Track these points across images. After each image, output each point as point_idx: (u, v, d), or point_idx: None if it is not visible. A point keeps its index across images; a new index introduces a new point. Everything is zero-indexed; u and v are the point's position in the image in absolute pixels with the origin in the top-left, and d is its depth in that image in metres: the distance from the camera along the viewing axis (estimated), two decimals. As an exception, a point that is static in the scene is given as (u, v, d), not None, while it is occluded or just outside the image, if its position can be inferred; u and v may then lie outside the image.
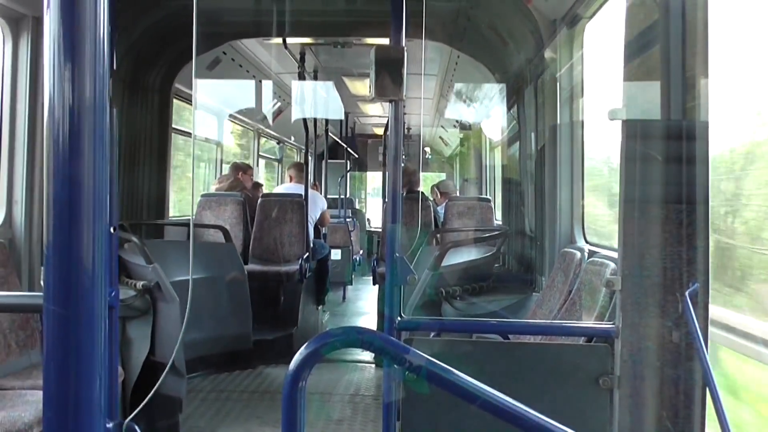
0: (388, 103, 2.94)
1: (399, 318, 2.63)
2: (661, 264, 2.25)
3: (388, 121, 7.60)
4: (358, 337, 1.44)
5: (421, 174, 12.01)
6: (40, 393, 3.48)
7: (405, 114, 9.68)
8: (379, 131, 14.33)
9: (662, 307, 2.24)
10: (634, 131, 2.38)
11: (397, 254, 2.66)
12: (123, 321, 4.15)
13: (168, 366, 3.92)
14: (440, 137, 14.47)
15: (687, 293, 2.22)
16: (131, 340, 4.16)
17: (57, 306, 0.82)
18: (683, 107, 2.46)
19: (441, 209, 7.69)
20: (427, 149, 15.58)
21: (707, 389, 2.07)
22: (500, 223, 7.02)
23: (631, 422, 2.27)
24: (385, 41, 4.32)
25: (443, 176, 15.58)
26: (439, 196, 8.47)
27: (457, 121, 11.42)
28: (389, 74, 2.44)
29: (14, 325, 3.76)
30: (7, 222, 4.11)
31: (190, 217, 7.46)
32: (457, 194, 9.92)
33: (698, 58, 2.49)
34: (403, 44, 2.60)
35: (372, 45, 6.95)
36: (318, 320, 7.64)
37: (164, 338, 4.22)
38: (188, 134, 8.31)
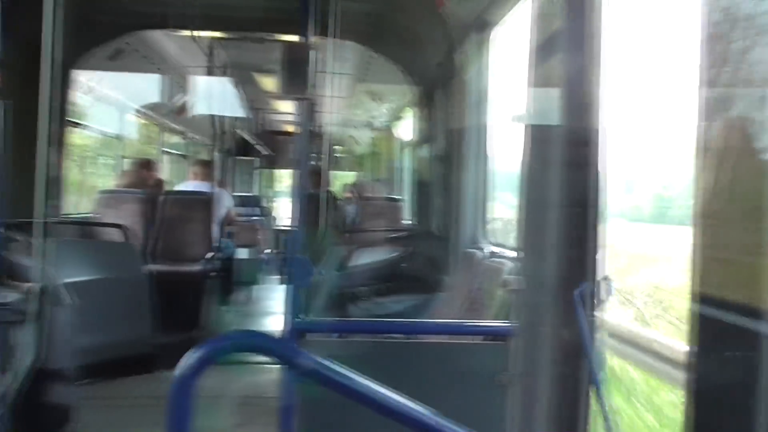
0: (290, 100, 2.90)
1: (298, 319, 2.59)
2: (556, 264, 2.30)
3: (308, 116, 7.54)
4: (249, 341, 1.40)
5: (333, 173, 11.97)
6: None
7: (317, 112, 9.66)
8: (290, 128, 14.17)
9: (555, 306, 2.30)
10: (534, 135, 2.43)
11: (300, 255, 2.62)
12: (7, 326, 3.89)
13: (57, 372, 3.71)
14: (352, 136, 14.47)
15: (577, 293, 2.29)
16: (16, 345, 3.91)
17: None
18: (581, 113, 2.53)
19: (352, 209, 7.68)
20: (339, 148, 15.55)
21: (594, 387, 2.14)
22: (411, 223, 7.07)
23: (523, 419, 2.32)
24: (295, 38, 4.23)
25: (354, 175, 15.60)
26: (352, 196, 8.46)
27: (369, 121, 11.46)
28: (297, 72, 2.40)
29: None
30: None
31: (86, 215, 7.11)
32: (373, 194, 9.95)
33: (595, 67, 2.58)
34: (312, 42, 2.56)
35: (282, 42, 6.88)
36: (222, 321, 7.46)
37: (55, 343, 3.99)
38: (86, 127, 7.95)
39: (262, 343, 1.40)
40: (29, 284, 4.02)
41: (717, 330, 1.53)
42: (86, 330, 4.04)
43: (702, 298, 1.56)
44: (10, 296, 3.87)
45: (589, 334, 2.10)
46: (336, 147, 13.81)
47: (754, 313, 1.45)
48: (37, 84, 5.55)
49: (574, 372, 2.19)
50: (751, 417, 1.42)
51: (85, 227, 6.80)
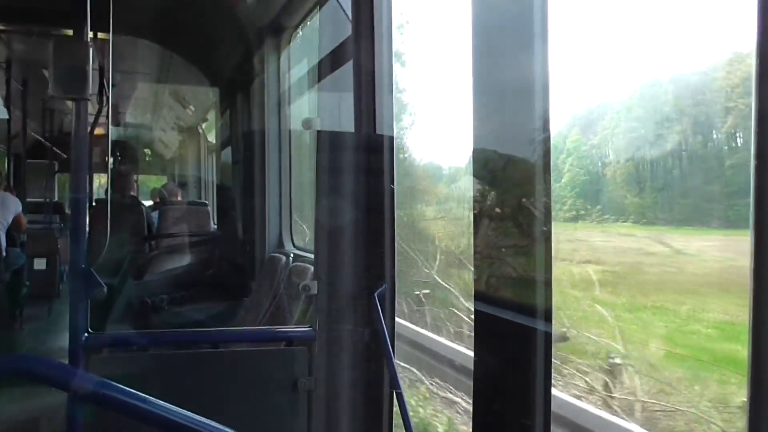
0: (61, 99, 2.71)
1: (86, 334, 2.42)
2: (352, 268, 2.37)
3: (96, 118, 7.06)
4: (22, 367, 1.29)
5: (142, 178, 11.35)
6: None
7: (120, 113, 9.10)
8: (99, 130, 13.19)
9: (354, 309, 2.36)
10: (327, 141, 2.48)
11: (83, 265, 2.45)
12: None
13: None
14: (161, 139, 13.82)
15: (376, 294, 2.37)
16: None
17: None
18: (372, 120, 2.63)
19: (156, 214, 7.32)
20: (148, 151, 14.79)
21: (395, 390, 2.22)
22: (216, 228, 6.90)
23: (326, 424, 2.36)
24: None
25: (162, 179, 14.90)
26: (159, 200, 8.08)
27: (176, 123, 11.02)
28: (71, 70, 2.24)
29: None
30: None
31: None
32: (180, 198, 9.56)
33: (385, 76, 2.69)
34: (88, 38, 2.39)
35: (56, 35, 6.37)
36: (14, 339, 6.78)
37: None
38: None
39: (38, 368, 1.30)
40: None
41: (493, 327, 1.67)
42: None
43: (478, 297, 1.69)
44: None
45: (389, 337, 2.19)
46: (145, 150, 13.12)
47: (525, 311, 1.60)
48: None
49: (376, 375, 2.28)
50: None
51: None
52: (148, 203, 8.81)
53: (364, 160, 2.48)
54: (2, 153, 8.29)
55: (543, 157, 1.53)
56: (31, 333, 7.70)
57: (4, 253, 6.47)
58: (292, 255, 3.76)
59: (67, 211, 12.86)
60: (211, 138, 9.25)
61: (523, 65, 1.55)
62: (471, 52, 1.61)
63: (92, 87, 2.32)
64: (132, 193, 7.80)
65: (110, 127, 3.81)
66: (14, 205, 7.11)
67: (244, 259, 4.80)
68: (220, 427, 1.33)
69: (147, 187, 13.49)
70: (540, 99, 1.51)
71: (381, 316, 2.33)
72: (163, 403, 1.32)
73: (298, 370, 2.53)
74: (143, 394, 1.31)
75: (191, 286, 4.46)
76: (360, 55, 2.68)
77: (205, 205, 7.41)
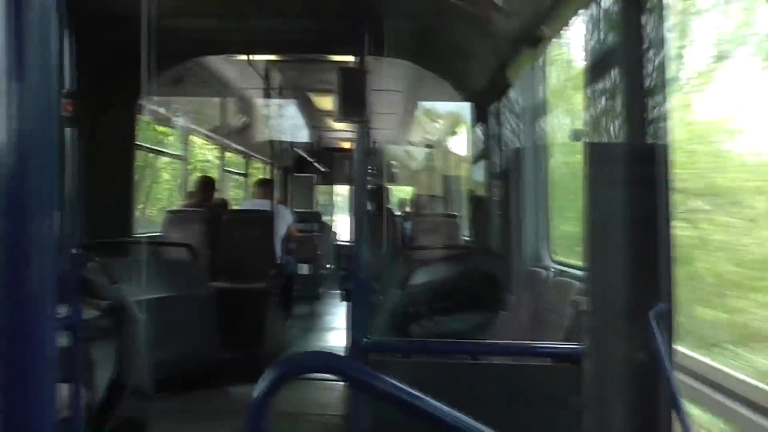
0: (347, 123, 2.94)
1: (365, 339, 2.61)
2: (627, 285, 2.26)
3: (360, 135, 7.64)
4: (324, 363, 1.41)
5: (390, 189, 12.03)
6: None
7: (371, 129, 9.69)
8: (347, 145, 14.34)
9: (628, 328, 2.25)
10: (596, 152, 2.40)
11: (362, 274, 2.64)
12: (87, 342, 4.03)
13: (132, 387, 3.83)
14: (406, 151, 14.53)
15: (652, 313, 2.24)
16: (96, 361, 4.05)
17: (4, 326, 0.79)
18: (644, 129, 2.49)
19: (408, 226, 7.68)
20: (395, 163, 15.63)
21: (673, 412, 2.08)
22: (468, 240, 7.04)
23: (597, 445, 2.27)
24: (350, 58, 4.26)
25: (409, 191, 15.62)
26: (409, 212, 8.47)
27: (423, 137, 11.48)
28: (353, 95, 2.44)
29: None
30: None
31: (155, 234, 7.34)
32: (430, 210, 9.95)
33: (658, 80, 2.53)
34: (365, 65, 2.59)
35: (336, 62, 7.00)
36: (285, 337, 7.56)
37: (129, 359, 4.12)
38: (153, 151, 8.23)
39: (338, 365, 1.42)
40: (105, 302, 4.17)
41: None
42: (158, 346, 4.16)
43: None
44: (88, 313, 4.02)
45: (667, 357, 2.05)
46: (392, 162, 13.89)
47: None
48: (106, 111, 5.82)
49: (652, 396, 2.14)
50: None
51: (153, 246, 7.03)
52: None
53: (637, 170, 2.35)
54: (270, 167, 9.32)
55: None
56: (299, 332, 8.53)
57: (278, 261, 7.22)
58: (552, 269, 3.70)
59: (324, 220, 14.11)
60: (458, 151, 9.47)
61: None
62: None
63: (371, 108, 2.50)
64: (388, 206, 8.30)
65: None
66: (288, 218, 7.95)
67: (500, 272, 4.83)
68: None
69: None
70: None
71: (659, 337, 2.19)
72: (455, 412, 1.35)
73: (566, 389, 2.47)
74: (436, 402, 1.35)
75: (447, 297, 4.59)
76: (628, 62, 2.56)
77: (456, 216, 7.60)
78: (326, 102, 9.90)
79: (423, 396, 1.33)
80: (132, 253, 6.48)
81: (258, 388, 1.26)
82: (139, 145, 7.02)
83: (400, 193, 15.63)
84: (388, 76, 6.74)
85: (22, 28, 0.79)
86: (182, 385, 5.49)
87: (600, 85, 2.74)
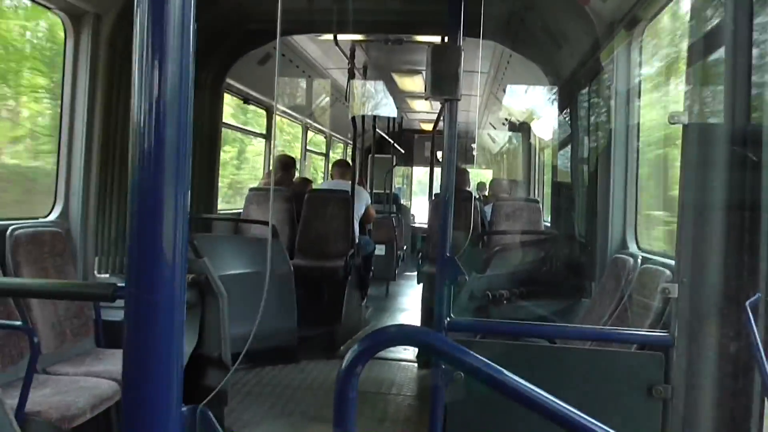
0: (437, 101, 2.94)
1: (448, 318, 2.62)
2: (722, 272, 2.18)
3: (437, 117, 7.64)
4: (413, 336, 1.42)
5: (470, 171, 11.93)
6: (94, 379, 3.54)
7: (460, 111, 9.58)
8: (427, 126, 14.29)
9: (721, 316, 2.18)
10: (695, 136, 2.32)
11: (448, 254, 2.65)
12: None
13: (215, 358, 3.97)
14: (488, 134, 14.36)
15: (748, 304, 2.15)
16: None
17: (139, 292, 0.84)
18: (747, 111, 2.38)
19: (488, 209, 7.61)
20: (475, 146, 15.47)
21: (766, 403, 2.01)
22: (548, 225, 6.92)
23: (686, 434, 2.22)
24: (436, 39, 4.24)
25: (489, 173, 15.47)
26: (489, 196, 8.39)
27: (506, 120, 11.29)
28: (445, 73, 2.43)
29: (69, 313, 3.86)
30: (64, 213, 4.22)
31: (238, 211, 7.57)
32: (509, 195, 9.81)
33: (765, 60, 2.41)
34: (461, 44, 2.58)
35: (422, 43, 6.97)
36: (361, 316, 7.66)
37: (211, 331, 4.27)
38: (238, 129, 8.46)
39: (428, 339, 1.43)
40: (190, 275, 4.33)
41: None
42: (239, 320, 4.31)
43: None
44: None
45: (762, 347, 1.97)
46: (472, 146, 13.75)
47: None
48: (195, 90, 6.02)
49: (745, 385, 2.07)
50: None
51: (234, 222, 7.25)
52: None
53: (739, 153, 2.26)
54: (353, 147, 9.39)
55: None
56: (375, 312, 8.63)
57: (356, 241, 7.30)
58: (640, 257, 3.60)
59: (401, 202, 14.15)
60: (543, 135, 9.29)
61: None
62: None
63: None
64: (467, 188, 8.25)
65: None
66: (366, 199, 8.01)
67: (583, 259, 4.74)
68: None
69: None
70: None
71: (754, 328, 2.10)
72: (541, 391, 1.35)
73: (652, 377, 2.41)
74: (521, 380, 1.35)
75: (529, 283, 4.54)
76: (734, 43, 2.44)
77: (537, 201, 7.49)
78: (410, 83, 9.89)
79: (510, 374, 1.33)
80: (216, 229, 6.70)
81: (348, 358, 1.28)
82: (226, 124, 7.22)
83: (479, 177, 15.49)
84: (474, 58, 6.68)
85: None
86: (260, 359, 5.66)
87: (701, 66, 2.64)
